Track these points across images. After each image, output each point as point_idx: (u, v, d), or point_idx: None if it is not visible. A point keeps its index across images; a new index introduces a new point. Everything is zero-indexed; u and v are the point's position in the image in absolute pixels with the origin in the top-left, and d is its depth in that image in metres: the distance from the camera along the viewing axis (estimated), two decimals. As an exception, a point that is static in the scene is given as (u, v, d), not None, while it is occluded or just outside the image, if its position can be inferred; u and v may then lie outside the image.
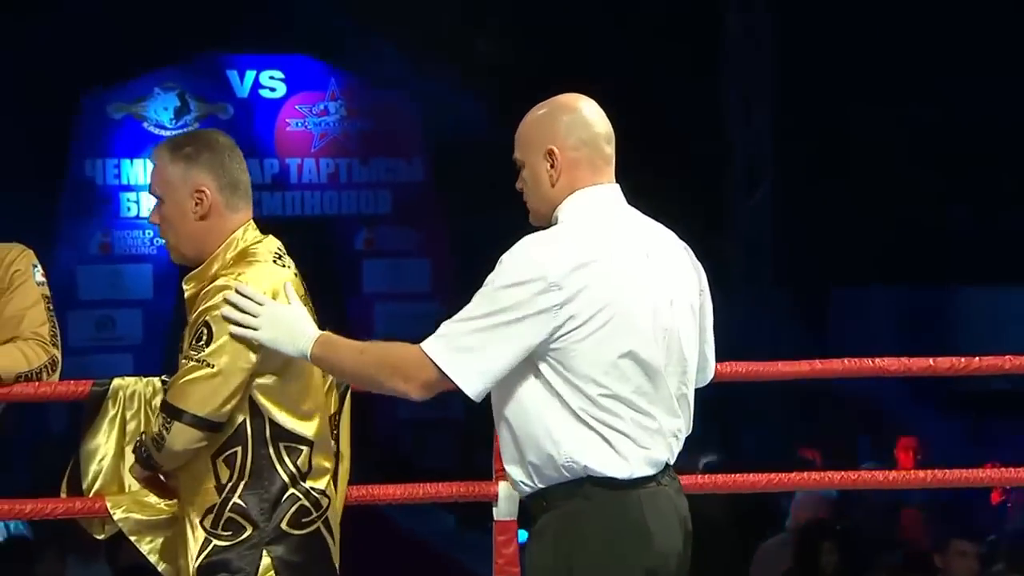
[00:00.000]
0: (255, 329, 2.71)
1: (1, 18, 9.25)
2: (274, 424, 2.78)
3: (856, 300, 9.74)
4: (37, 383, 3.15)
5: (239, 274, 2.77)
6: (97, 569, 6.01)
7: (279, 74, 11.17)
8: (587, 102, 2.71)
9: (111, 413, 3.08)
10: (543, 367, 2.59)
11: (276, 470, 2.79)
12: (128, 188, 10.92)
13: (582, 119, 2.69)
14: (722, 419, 7.92)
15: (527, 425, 2.61)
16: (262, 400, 2.78)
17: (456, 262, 10.80)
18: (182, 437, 2.72)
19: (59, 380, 3.15)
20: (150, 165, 2.87)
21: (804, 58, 9.89)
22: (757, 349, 3.38)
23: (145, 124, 10.92)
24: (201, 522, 2.80)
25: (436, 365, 2.58)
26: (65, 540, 5.96)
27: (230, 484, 2.78)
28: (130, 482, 3.09)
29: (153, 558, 3.05)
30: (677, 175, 9.67)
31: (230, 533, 2.79)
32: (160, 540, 3.05)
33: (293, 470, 2.80)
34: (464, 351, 2.57)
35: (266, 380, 2.77)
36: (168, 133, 10.96)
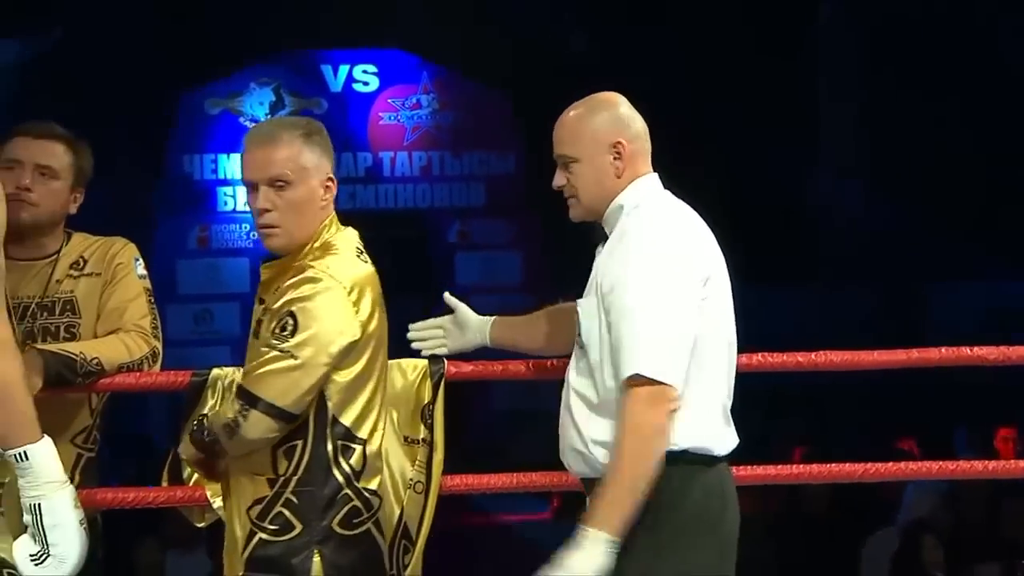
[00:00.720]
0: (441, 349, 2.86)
1: (100, 15, 9.37)
2: (336, 421, 2.73)
3: (948, 295, 9.58)
4: (139, 373, 3.20)
5: (327, 266, 2.74)
6: (197, 559, 6.09)
7: (372, 68, 11.22)
8: (623, 98, 2.81)
9: (210, 403, 3.11)
10: None
11: (332, 469, 2.74)
12: (225, 183, 11.03)
13: (630, 114, 2.79)
14: (818, 409, 7.86)
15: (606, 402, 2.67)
16: (331, 396, 2.73)
17: (549, 255, 10.80)
18: (259, 426, 2.68)
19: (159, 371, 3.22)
20: (271, 148, 2.80)
21: (894, 46, 9.75)
22: (848, 345, 3.34)
23: (241, 119, 11.02)
24: (248, 511, 2.75)
25: (657, 381, 2.59)
26: (166, 530, 6.05)
27: (283, 478, 2.73)
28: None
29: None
30: (763, 165, 9.59)
31: (276, 528, 2.73)
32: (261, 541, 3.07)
33: (348, 470, 2.75)
34: (673, 358, 2.61)
35: (340, 377, 2.73)
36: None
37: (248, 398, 2.68)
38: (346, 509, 2.74)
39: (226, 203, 11.01)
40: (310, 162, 2.80)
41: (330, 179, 2.82)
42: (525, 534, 7.92)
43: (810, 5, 10.47)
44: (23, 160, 3.09)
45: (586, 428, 2.71)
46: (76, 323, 3.21)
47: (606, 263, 2.71)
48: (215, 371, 3.11)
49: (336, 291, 2.70)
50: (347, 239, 2.84)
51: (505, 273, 11.02)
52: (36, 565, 2.55)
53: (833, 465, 3.47)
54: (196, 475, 3.13)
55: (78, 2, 9.09)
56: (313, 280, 2.70)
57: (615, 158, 2.74)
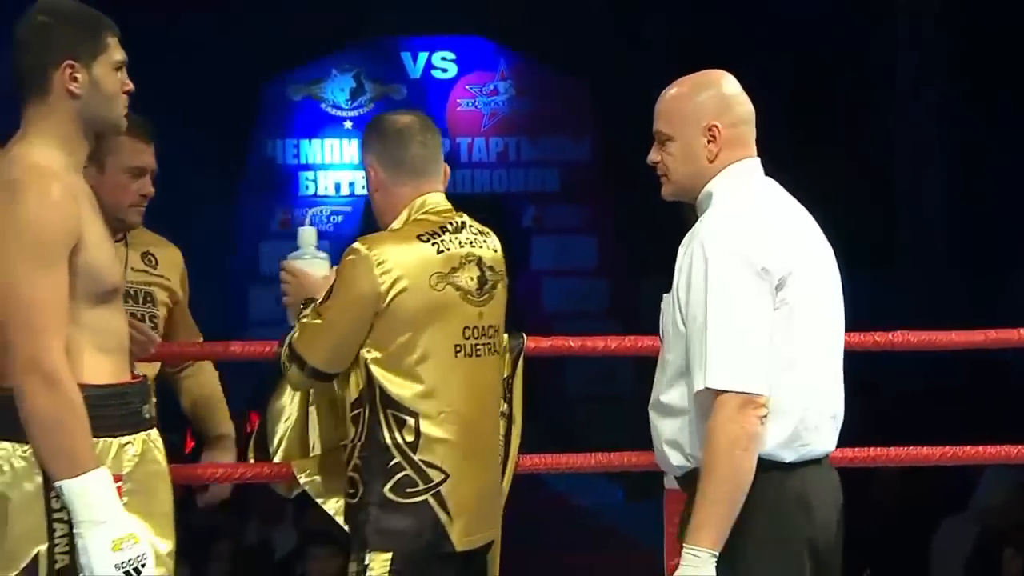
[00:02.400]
0: None
1: (189, 4, 9.45)
2: (384, 393, 2.81)
3: None
4: (228, 343, 3.28)
5: (366, 241, 2.85)
6: (283, 531, 6.15)
7: (451, 55, 11.25)
8: (732, 78, 2.68)
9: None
10: None
11: (384, 437, 2.81)
12: (306, 167, 11.10)
13: (736, 95, 2.66)
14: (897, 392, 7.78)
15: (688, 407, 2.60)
16: (375, 370, 2.81)
17: (622, 241, 10.78)
18: (293, 377, 2.89)
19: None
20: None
21: (976, 36, 9.62)
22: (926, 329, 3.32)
23: (322, 105, 11.09)
24: (343, 474, 2.91)
25: (738, 392, 2.51)
26: (251, 503, 6.11)
27: (352, 444, 2.85)
28: (313, 441, 3.15)
29: (339, 519, 3.10)
30: (849, 151, 9.49)
31: (353, 491, 2.86)
32: (344, 501, 3.11)
33: (400, 441, 2.82)
34: (747, 364, 2.52)
35: (378, 353, 2.81)
36: (344, 114, 11.13)
37: (291, 349, 2.86)
38: (398, 477, 2.80)
39: (307, 187, 11.08)
40: (366, 161, 2.96)
41: (371, 170, 2.95)
42: (599, 519, 7.93)
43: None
44: (146, 167, 3.14)
45: (660, 426, 2.67)
46: (157, 315, 3.29)
47: (679, 259, 2.62)
48: None
49: (363, 262, 2.80)
50: (418, 223, 2.90)
51: (580, 257, 11.01)
52: None
53: (911, 448, 3.45)
54: (284, 448, 3.17)
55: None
56: (350, 252, 2.83)
57: (709, 141, 2.63)
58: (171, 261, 3.34)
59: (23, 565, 2.56)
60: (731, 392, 2.50)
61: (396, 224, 2.92)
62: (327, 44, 10.86)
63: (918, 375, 8.07)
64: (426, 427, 2.81)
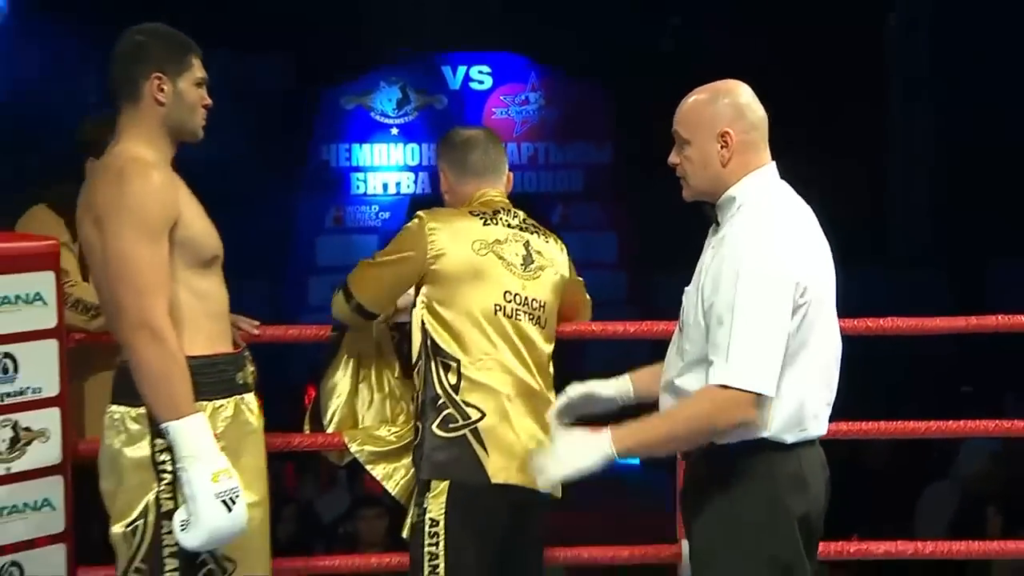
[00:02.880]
0: (556, 474, 2.56)
1: (255, 24, 9.46)
2: (434, 343, 2.93)
3: (1013, 274, 9.24)
4: (287, 327, 3.29)
5: (426, 210, 3.03)
6: (336, 494, 6.16)
7: (486, 69, 11.24)
8: (747, 88, 2.61)
9: (346, 354, 3.16)
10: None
11: (435, 382, 2.93)
12: (357, 169, 11.12)
13: (749, 103, 2.58)
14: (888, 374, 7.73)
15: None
16: (427, 323, 2.94)
17: (640, 237, 10.76)
18: (337, 303, 3.03)
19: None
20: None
21: (964, 41, 9.48)
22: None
23: (372, 113, 11.10)
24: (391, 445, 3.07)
25: (749, 392, 2.46)
26: (307, 469, 6.13)
27: (417, 395, 2.97)
28: (363, 414, 3.16)
29: (386, 483, 3.11)
30: (839, 152, 9.42)
31: (417, 436, 2.97)
32: (391, 467, 3.11)
33: (446, 383, 2.93)
34: (763, 367, 2.47)
35: (429, 308, 2.95)
36: (391, 121, 11.14)
37: (344, 282, 3.03)
38: (443, 415, 2.92)
39: (358, 187, 11.10)
40: (438, 167, 3.16)
41: (441, 172, 3.13)
42: (617, 485, 7.90)
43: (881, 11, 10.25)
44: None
45: (670, 406, 2.62)
46: None
47: (710, 262, 2.56)
48: (350, 327, 3.18)
49: (419, 226, 2.97)
50: (473, 207, 3.07)
51: (602, 251, 10.98)
52: (182, 531, 2.59)
53: (899, 422, 3.43)
54: (337, 420, 3.17)
55: (239, 20, 9.17)
56: (414, 217, 3.02)
57: (722, 147, 2.56)
58: None
59: (138, 510, 2.63)
60: (743, 391, 2.46)
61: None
62: (377, 59, 10.90)
63: (905, 358, 8.01)
64: (467, 372, 2.93)
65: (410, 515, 2.95)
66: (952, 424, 3.42)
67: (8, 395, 2.88)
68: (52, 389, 2.94)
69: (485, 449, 2.90)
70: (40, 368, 2.91)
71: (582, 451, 2.52)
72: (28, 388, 2.91)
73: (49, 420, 2.94)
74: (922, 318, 3.29)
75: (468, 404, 2.91)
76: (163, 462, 2.62)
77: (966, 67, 9.57)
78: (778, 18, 9.89)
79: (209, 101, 2.75)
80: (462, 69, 11.23)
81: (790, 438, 2.55)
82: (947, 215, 9.88)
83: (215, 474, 2.58)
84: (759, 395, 2.46)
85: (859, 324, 3.20)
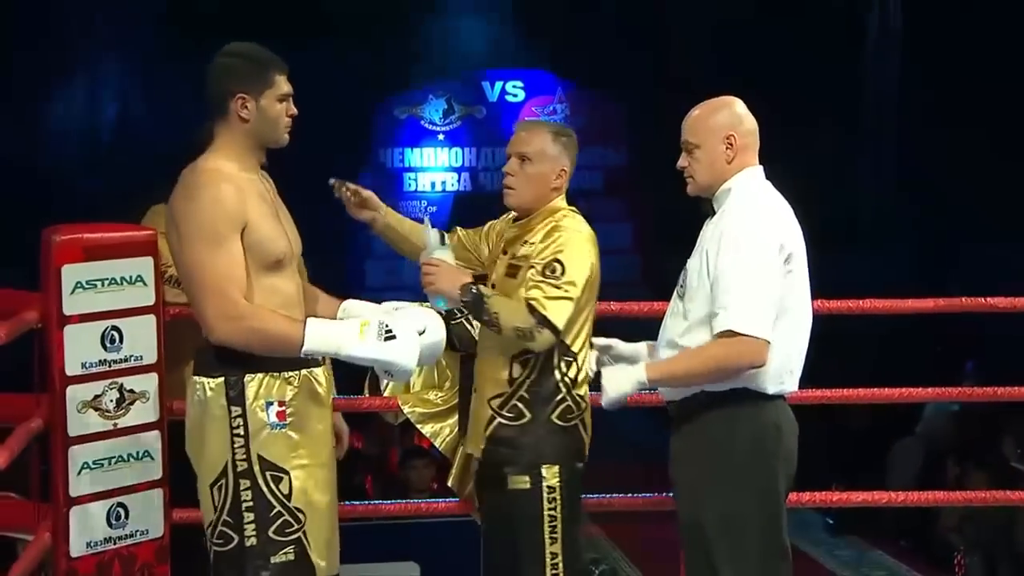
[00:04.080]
0: (607, 397, 2.63)
1: (327, 44, 9.48)
2: (562, 341, 2.76)
3: (979, 257, 9.03)
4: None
5: (573, 224, 2.81)
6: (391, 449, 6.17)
7: (520, 84, 11.20)
8: (742, 102, 2.67)
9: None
10: None
11: (555, 376, 2.78)
12: (409, 169, 11.11)
13: (746, 114, 2.66)
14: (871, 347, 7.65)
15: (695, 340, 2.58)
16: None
17: (650, 226, 10.73)
18: (546, 342, 2.72)
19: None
20: (526, 133, 2.87)
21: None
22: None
23: (422, 122, 11.09)
24: (489, 401, 2.81)
25: (755, 337, 2.48)
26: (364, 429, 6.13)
27: (519, 380, 2.78)
28: (414, 382, 3.14)
29: (434, 440, 3.10)
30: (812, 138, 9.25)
31: (513, 416, 2.79)
32: (438, 426, 3.10)
33: (567, 378, 2.78)
34: (762, 316, 2.49)
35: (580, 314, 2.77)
36: (438, 128, 11.12)
37: (544, 321, 2.70)
38: (563, 407, 2.78)
39: (410, 185, 11.09)
40: (552, 151, 2.85)
41: (563, 170, 2.85)
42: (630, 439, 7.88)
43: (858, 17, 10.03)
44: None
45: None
46: None
47: (712, 233, 2.61)
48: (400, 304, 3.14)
49: (590, 240, 2.80)
50: (573, 210, 2.89)
51: (619, 239, 10.93)
52: (392, 378, 2.69)
53: (876, 389, 3.40)
54: (391, 386, 3.16)
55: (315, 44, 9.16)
56: (573, 231, 2.78)
57: (727, 147, 2.63)
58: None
59: (220, 470, 2.61)
60: (749, 336, 2.47)
61: (557, 209, 2.85)
62: (426, 75, 10.92)
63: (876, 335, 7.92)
64: (582, 366, 2.80)
65: (514, 480, 2.77)
66: (921, 391, 3.39)
67: (115, 362, 2.90)
68: (151, 357, 2.96)
69: (588, 435, 2.84)
70: (141, 339, 2.93)
71: (623, 378, 2.58)
72: (131, 356, 2.92)
73: (148, 383, 2.95)
74: (896, 300, 3.26)
75: (580, 396, 2.81)
76: (237, 427, 2.58)
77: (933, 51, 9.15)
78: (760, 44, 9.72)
79: (294, 111, 2.68)
80: (499, 84, 11.19)
81: (772, 389, 2.55)
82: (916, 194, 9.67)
83: (360, 331, 2.55)
84: (767, 343, 2.47)
85: (841, 305, 3.18)
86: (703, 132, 2.65)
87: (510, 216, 2.94)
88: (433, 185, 11.19)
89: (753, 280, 2.49)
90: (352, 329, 2.56)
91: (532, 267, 2.76)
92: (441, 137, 11.17)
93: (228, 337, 2.54)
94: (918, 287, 4.06)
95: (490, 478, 2.82)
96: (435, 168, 11.19)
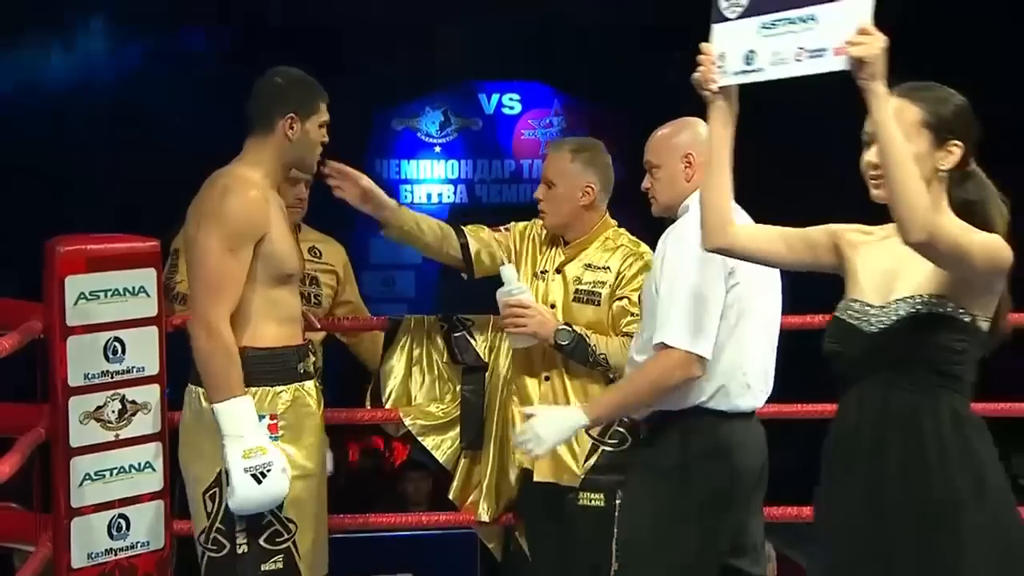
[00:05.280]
0: (539, 449, 2.61)
1: (326, 60, 9.49)
2: None
3: None
4: (351, 319, 3.29)
5: (636, 247, 2.88)
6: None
7: (516, 96, 11.21)
8: (703, 122, 2.60)
9: (402, 341, 3.15)
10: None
11: None
12: (405, 181, 11.11)
13: (705, 133, 2.59)
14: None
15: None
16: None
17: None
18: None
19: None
20: (548, 155, 2.95)
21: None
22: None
23: (418, 134, 11.09)
24: (587, 432, 2.78)
25: (685, 351, 2.49)
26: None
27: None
28: (415, 393, 3.15)
29: (435, 451, 3.11)
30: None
31: (616, 442, 2.83)
32: (439, 438, 3.10)
33: None
34: (693, 329, 2.48)
35: None
36: (434, 141, 11.13)
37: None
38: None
39: (406, 197, 11.07)
40: (571, 170, 2.90)
41: (589, 186, 2.90)
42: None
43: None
44: (302, 177, 3.15)
45: None
46: (320, 294, 3.32)
47: (658, 251, 2.62)
48: (406, 317, 3.17)
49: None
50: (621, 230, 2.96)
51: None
52: (228, 498, 2.61)
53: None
54: (393, 398, 3.16)
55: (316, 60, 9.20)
56: (646, 258, 2.83)
57: (686, 166, 2.64)
58: (334, 254, 3.36)
59: (213, 479, 2.64)
60: (679, 349, 2.47)
61: (608, 220, 2.90)
62: (423, 88, 10.94)
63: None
64: None
65: (597, 498, 2.81)
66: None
67: (117, 373, 2.91)
68: (153, 368, 2.96)
69: None
70: (143, 350, 2.94)
71: (559, 426, 2.54)
72: (133, 367, 2.93)
73: (150, 395, 2.96)
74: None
75: None
76: None
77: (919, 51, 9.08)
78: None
79: (327, 140, 2.76)
80: (495, 96, 11.20)
81: (724, 407, 2.53)
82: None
83: (247, 451, 2.57)
84: (699, 356, 2.45)
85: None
86: (663, 152, 2.67)
87: (537, 223, 2.97)
88: (429, 197, 11.19)
89: (686, 295, 2.48)
90: (249, 441, 2.58)
91: (625, 298, 2.79)
92: (437, 149, 11.17)
93: (193, 337, 2.62)
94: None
95: (582, 503, 2.82)
96: (431, 180, 11.18)
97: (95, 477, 2.87)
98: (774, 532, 3.47)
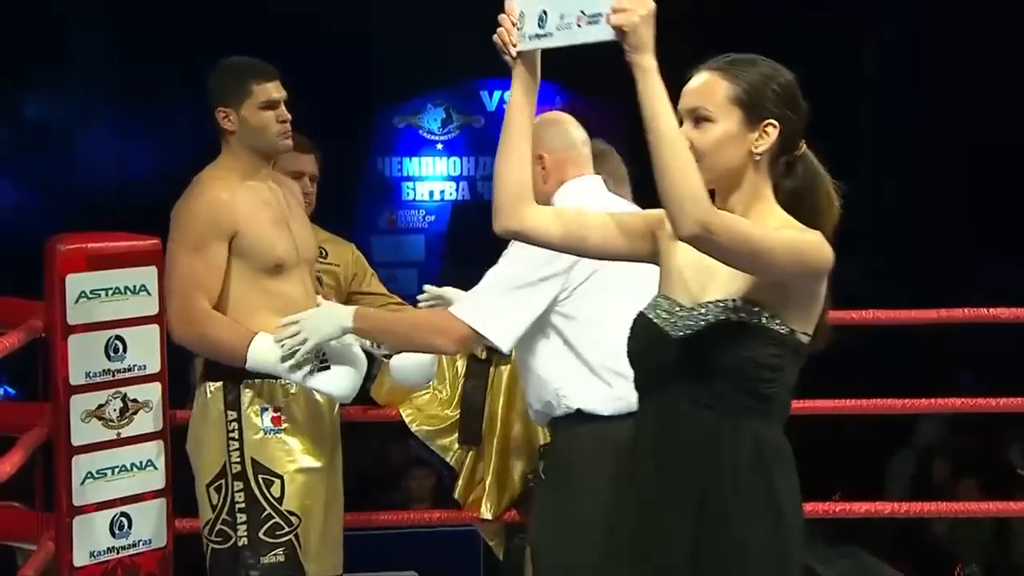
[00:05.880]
0: (304, 343, 2.55)
1: (319, 56, 9.49)
2: None
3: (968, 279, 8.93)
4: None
5: None
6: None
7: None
8: (566, 116, 2.64)
9: None
10: (554, 320, 2.45)
11: None
12: (408, 179, 11.11)
13: (569, 129, 2.60)
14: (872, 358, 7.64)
15: (538, 369, 2.49)
16: None
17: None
18: None
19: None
20: None
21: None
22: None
23: (420, 131, 11.09)
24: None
25: (463, 321, 2.42)
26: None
27: None
28: (422, 400, 3.13)
29: (444, 455, 3.10)
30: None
31: None
32: (447, 440, 3.09)
33: None
34: (484, 310, 2.42)
35: None
36: (436, 138, 11.12)
37: None
38: None
39: (408, 194, 11.07)
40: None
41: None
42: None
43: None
44: (302, 171, 3.07)
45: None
46: (325, 294, 3.30)
47: None
48: None
49: None
50: None
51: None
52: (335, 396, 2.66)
53: (867, 400, 3.40)
54: (390, 393, 3.15)
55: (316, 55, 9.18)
56: None
57: (542, 168, 2.55)
58: (340, 253, 3.34)
59: (217, 471, 2.65)
60: (465, 324, 2.41)
61: None
62: (424, 85, 10.94)
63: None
64: None
65: None
66: (923, 402, 3.39)
67: (118, 371, 2.90)
68: (154, 367, 2.96)
69: None
70: (145, 348, 2.93)
71: (326, 320, 2.52)
72: (135, 365, 2.92)
73: (152, 393, 2.96)
74: (899, 310, 3.27)
75: None
76: (232, 430, 2.64)
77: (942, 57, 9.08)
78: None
79: (286, 116, 2.71)
80: (497, 93, 11.18)
81: (606, 410, 2.41)
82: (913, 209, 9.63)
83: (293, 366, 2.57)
84: (480, 336, 2.39)
85: (844, 315, 3.18)
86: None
87: None
88: (431, 194, 11.19)
89: (505, 281, 2.41)
90: (285, 367, 2.60)
91: None
92: (440, 146, 11.17)
93: (182, 339, 2.63)
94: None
95: None
96: (433, 177, 11.18)
97: (97, 475, 2.87)
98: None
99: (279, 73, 2.72)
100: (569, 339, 2.44)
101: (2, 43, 8.09)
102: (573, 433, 2.44)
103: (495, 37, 2.04)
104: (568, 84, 11.10)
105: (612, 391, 2.42)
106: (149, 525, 2.94)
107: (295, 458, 2.65)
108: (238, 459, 2.64)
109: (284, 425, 2.66)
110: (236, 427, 2.64)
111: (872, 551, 5.73)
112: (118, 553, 2.91)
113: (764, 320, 1.81)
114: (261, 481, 2.63)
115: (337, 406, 2.78)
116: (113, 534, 2.89)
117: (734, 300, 1.83)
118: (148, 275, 2.93)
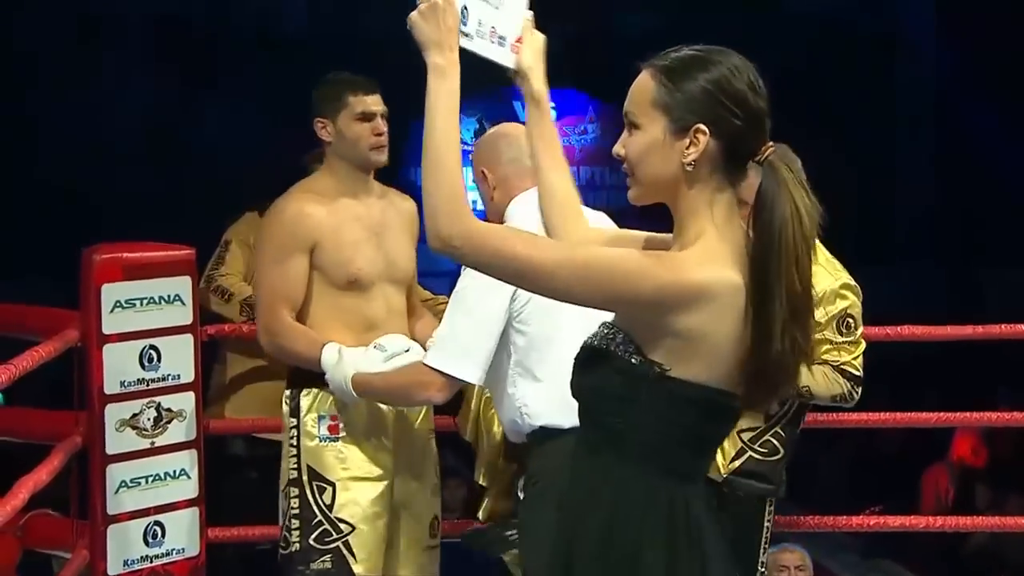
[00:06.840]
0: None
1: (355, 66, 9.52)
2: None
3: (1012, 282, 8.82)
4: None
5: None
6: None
7: (551, 103, 11.20)
8: (514, 126, 2.54)
9: None
10: (513, 336, 2.44)
11: (805, 415, 2.84)
12: (440, 188, 11.18)
13: (509, 141, 2.52)
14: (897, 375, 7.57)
15: (502, 387, 2.48)
16: None
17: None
18: (857, 397, 2.78)
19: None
20: None
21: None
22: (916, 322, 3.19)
23: (453, 141, 11.14)
24: (739, 434, 2.79)
25: (442, 372, 2.44)
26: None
27: (776, 416, 2.78)
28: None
29: (478, 476, 3.05)
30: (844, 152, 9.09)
31: (766, 451, 2.79)
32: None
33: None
34: (456, 353, 2.42)
35: None
36: (469, 148, 11.13)
37: (855, 380, 2.75)
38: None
39: (441, 203, 11.14)
40: None
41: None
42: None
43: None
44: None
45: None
46: None
47: None
48: None
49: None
50: None
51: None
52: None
53: (902, 414, 3.36)
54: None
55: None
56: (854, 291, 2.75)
57: (482, 183, 2.55)
58: None
59: (287, 478, 2.72)
60: (439, 372, 2.42)
61: None
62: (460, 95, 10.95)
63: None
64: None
65: (756, 508, 2.83)
66: (960, 415, 3.35)
67: (153, 381, 2.91)
68: (188, 376, 2.97)
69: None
70: (179, 358, 2.94)
71: (339, 371, 2.57)
72: (169, 375, 2.93)
73: (185, 402, 2.96)
74: (934, 327, 3.22)
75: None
76: (292, 437, 2.68)
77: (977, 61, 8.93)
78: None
79: (381, 129, 2.73)
80: (530, 103, 11.22)
81: (566, 423, 2.33)
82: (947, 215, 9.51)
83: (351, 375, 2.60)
84: (453, 378, 2.41)
85: (879, 331, 3.14)
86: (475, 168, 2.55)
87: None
88: (464, 204, 11.24)
89: (458, 317, 2.41)
90: (358, 356, 2.60)
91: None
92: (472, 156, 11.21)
93: (266, 349, 2.69)
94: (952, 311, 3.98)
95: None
96: (468, 187, 11.19)
97: (131, 484, 2.88)
98: (813, 541, 3.44)
99: (379, 87, 2.74)
100: (526, 355, 2.42)
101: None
102: (541, 451, 2.41)
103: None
104: (602, 95, 11.11)
105: (573, 404, 2.40)
106: (182, 534, 2.95)
107: (348, 466, 2.68)
108: (295, 465, 2.69)
109: (341, 433, 2.69)
110: (295, 434, 2.68)
111: (907, 565, 5.67)
112: (151, 562, 2.92)
113: (616, 347, 1.60)
114: (315, 488, 2.67)
115: (421, 414, 2.76)
116: (147, 543, 2.90)
117: (613, 325, 1.63)
118: (183, 285, 2.94)
